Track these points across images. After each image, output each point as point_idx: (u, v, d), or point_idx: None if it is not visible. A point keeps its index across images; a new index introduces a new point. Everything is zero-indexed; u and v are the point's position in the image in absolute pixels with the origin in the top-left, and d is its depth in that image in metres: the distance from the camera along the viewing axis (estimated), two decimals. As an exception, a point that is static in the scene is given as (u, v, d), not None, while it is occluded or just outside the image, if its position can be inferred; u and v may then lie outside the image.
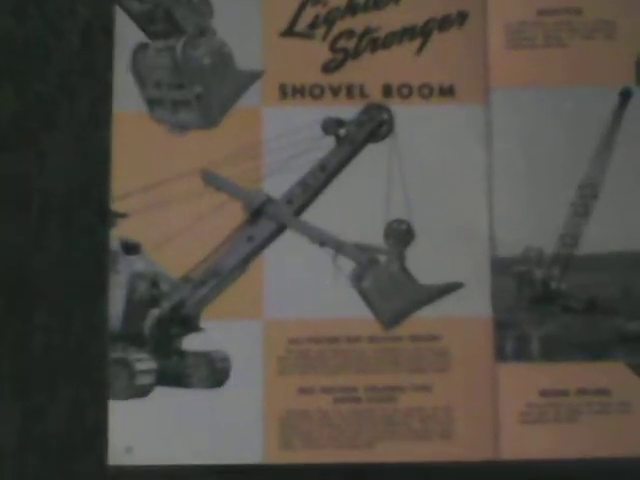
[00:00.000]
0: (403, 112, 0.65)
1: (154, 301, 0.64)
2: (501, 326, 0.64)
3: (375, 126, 0.65)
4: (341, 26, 0.66)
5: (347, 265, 0.64)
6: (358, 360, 0.64)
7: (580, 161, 0.65)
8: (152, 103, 0.65)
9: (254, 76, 0.66)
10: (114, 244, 0.64)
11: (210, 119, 0.65)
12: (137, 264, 0.64)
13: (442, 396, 0.64)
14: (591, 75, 0.66)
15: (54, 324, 0.65)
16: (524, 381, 0.64)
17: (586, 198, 0.65)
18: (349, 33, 0.66)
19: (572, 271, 0.65)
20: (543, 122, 0.65)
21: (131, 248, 0.64)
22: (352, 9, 0.66)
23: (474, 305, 0.64)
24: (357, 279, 0.64)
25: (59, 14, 0.68)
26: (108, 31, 0.67)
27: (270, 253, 0.64)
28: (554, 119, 0.65)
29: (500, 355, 0.64)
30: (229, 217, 0.65)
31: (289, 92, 0.65)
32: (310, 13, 0.66)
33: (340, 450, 0.63)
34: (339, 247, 0.64)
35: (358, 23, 0.66)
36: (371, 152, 0.65)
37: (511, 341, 0.64)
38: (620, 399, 0.64)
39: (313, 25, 0.66)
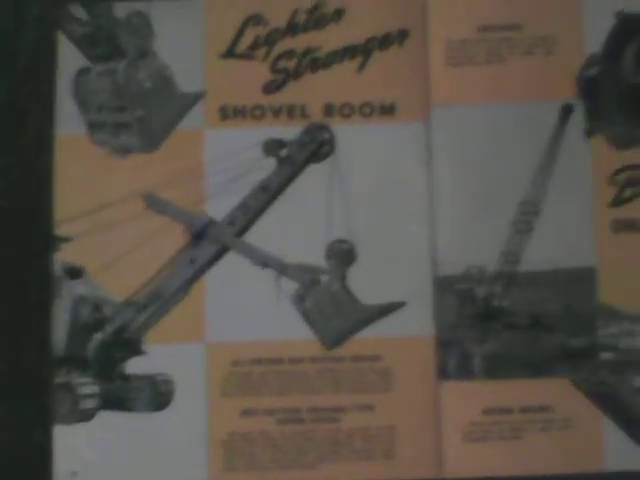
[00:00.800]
0: (344, 131, 0.66)
1: (97, 325, 0.65)
2: (443, 345, 0.65)
3: (316, 146, 0.66)
4: (282, 47, 0.66)
5: (289, 286, 0.65)
6: (301, 381, 0.64)
7: (521, 178, 0.65)
8: (94, 126, 0.66)
9: (195, 98, 0.66)
10: (58, 268, 0.65)
11: (151, 141, 0.66)
12: (80, 288, 0.65)
13: (385, 416, 0.64)
14: (532, 91, 0.66)
15: (-1, 349, 0.65)
16: (467, 399, 0.64)
17: (528, 215, 0.65)
18: (290, 53, 0.66)
19: (514, 288, 0.65)
20: (484, 139, 0.66)
21: (74, 272, 0.65)
22: (293, 29, 0.66)
23: (416, 324, 0.65)
24: (299, 300, 0.65)
25: (3, 38, 0.68)
26: (52, 55, 0.67)
27: (212, 275, 0.65)
28: (495, 136, 0.66)
29: (443, 374, 0.64)
30: (171, 240, 0.65)
31: (230, 113, 0.66)
32: (251, 34, 0.66)
33: (283, 471, 0.64)
34: (281, 268, 0.65)
35: (299, 43, 0.66)
36: (313, 172, 0.65)
37: (454, 359, 0.65)
38: (563, 415, 0.64)
39: (254, 46, 0.66)
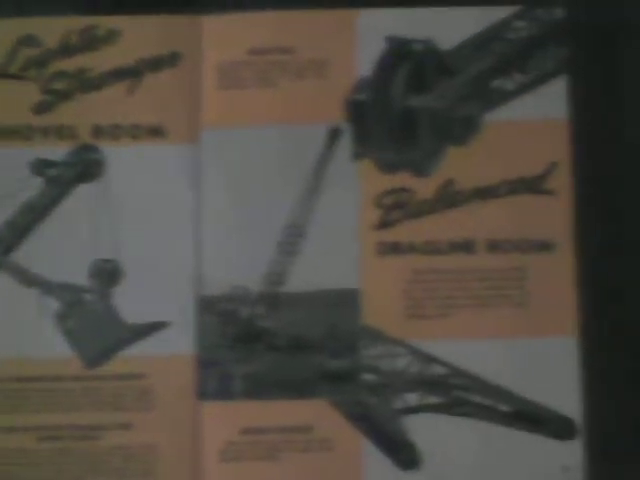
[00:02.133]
0: (113, 153, 0.67)
1: None
2: (204, 364, 0.66)
3: (85, 167, 0.67)
4: (54, 67, 0.68)
5: (54, 305, 0.66)
6: (62, 399, 0.65)
7: (288, 200, 0.66)
8: None
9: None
10: None
11: None
12: None
13: (145, 434, 0.65)
14: (302, 114, 0.67)
15: None
16: (226, 419, 0.65)
17: (293, 237, 0.66)
18: (62, 74, 0.67)
19: (278, 309, 0.66)
20: (253, 162, 0.67)
21: None
22: (66, 51, 0.68)
23: (178, 344, 0.66)
24: (62, 319, 0.66)
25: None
26: None
27: (-23, 292, 0.66)
28: (264, 159, 0.67)
29: (203, 393, 0.65)
30: (-62, 257, 0.66)
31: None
32: (24, 55, 0.68)
33: (41, 489, 0.65)
34: (46, 287, 0.66)
35: (71, 64, 0.68)
36: (81, 192, 0.67)
37: (214, 379, 0.66)
38: (322, 436, 0.65)
39: (26, 67, 0.67)
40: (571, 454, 0.66)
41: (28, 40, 0.67)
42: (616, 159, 0.69)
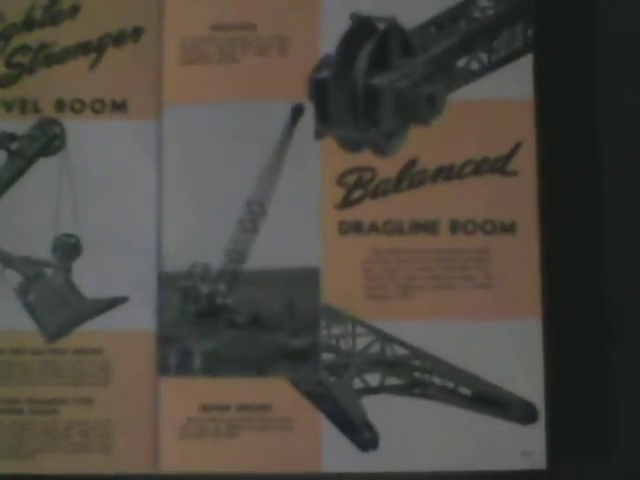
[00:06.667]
0: (75, 127, 0.69)
1: None
2: (164, 340, 0.68)
3: (47, 141, 0.69)
4: (17, 41, 0.69)
5: (15, 278, 0.68)
6: (21, 372, 0.68)
7: (249, 177, 0.68)
8: None
9: None
10: None
11: None
12: None
13: (103, 409, 0.68)
14: (264, 91, 0.69)
15: None
16: (185, 396, 0.67)
17: (254, 214, 0.68)
18: (25, 48, 0.69)
19: (238, 286, 0.68)
20: (214, 138, 0.69)
21: None
22: (29, 24, 0.69)
23: (138, 319, 0.68)
24: (23, 292, 0.68)
25: None
26: None
27: (-62, 266, 0.68)
28: (226, 135, 0.69)
29: (162, 369, 0.68)
30: None
31: (-37, 107, 0.69)
32: (-13, 29, 0.69)
33: (1, 461, 0.67)
34: (7, 261, 0.68)
35: (34, 38, 0.69)
36: (43, 166, 0.69)
37: (174, 355, 0.68)
38: (282, 415, 0.67)
39: (-10, 41, 0.69)
40: (532, 439, 0.67)
41: (-8, 15, 0.70)
42: (582, 140, 0.70)
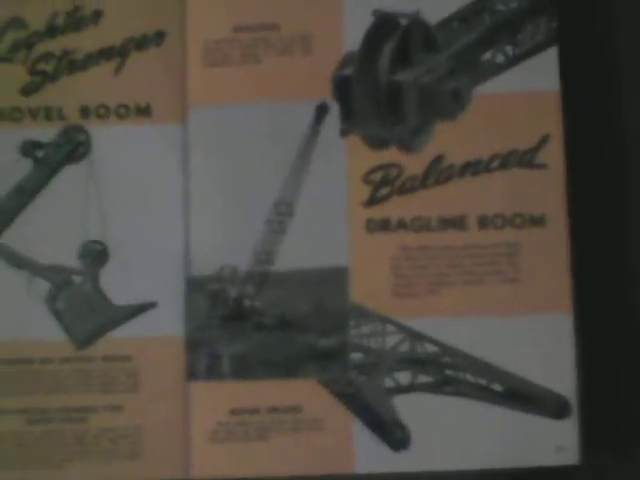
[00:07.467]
0: (100, 133, 0.69)
1: None
2: (193, 345, 0.68)
3: (72, 147, 0.69)
4: (40, 49, 0.70)
5: (43, 286, 0.68)
6: (50, 381, 0.67)
7: (276, 178, 0.68)
8: None
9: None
10: None
11: None
12: None
13: (132, 416, 0.67)
14: (288, 91, 0.69)
15: None
16: (215, 400, 0.67)
17: (282, 215, 0.68)
18: (48, 56, 0.70)
19: (267, 288, 0.68)
20: (240, 140, 0.69)
21: None
22: (51, 32, 0.70)
23: (166, 324, 0.68)
24: (51, 300, 0.68)
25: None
26: None
27: (-35, 275, 0.69)
28: (251, 137, 0.69)
29: (191, 374, 0.67)
30: None
31: (-11, 116, 0.69)
32: (10, 37, 0.70)
33: (30, 471, 0.67)
34: (35, 269, 0.68)
35: (57, 46, 0.70)
36: (69, 173, 0.69)
37: (203, 360, 0.67)
38: (312, 416, 0.67)
39: (13, 49, 0.70)
40: (565, 434, 0.66)
41: (16, 23, 0.70)
42: (608, 131, 0.70)
